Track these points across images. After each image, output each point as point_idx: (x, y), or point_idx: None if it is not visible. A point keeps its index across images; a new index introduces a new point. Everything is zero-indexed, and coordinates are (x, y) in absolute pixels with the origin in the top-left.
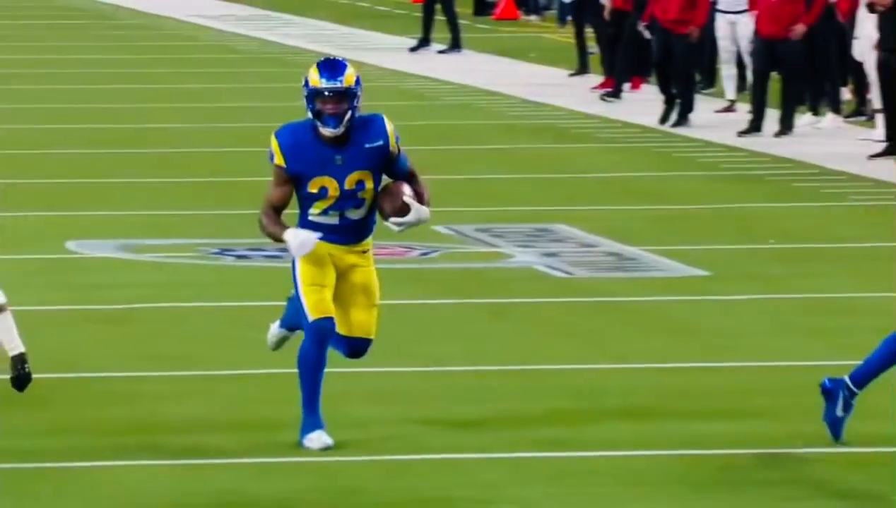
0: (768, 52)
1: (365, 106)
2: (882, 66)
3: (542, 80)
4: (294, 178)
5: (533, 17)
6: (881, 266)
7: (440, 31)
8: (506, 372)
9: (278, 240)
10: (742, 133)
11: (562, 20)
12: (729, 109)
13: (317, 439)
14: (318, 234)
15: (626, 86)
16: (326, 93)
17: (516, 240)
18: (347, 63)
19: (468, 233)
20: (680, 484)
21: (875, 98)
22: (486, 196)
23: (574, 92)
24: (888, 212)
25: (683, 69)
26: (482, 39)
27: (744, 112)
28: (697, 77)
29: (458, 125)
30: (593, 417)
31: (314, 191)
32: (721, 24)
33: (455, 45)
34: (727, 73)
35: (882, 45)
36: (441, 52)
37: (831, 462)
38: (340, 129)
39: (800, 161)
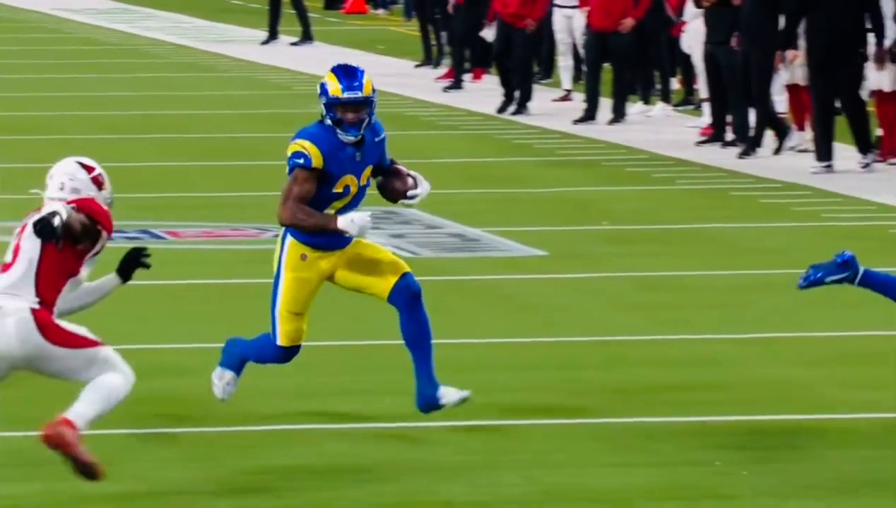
0: (600, 44)
1: (223, 95)
2: (708, 58)
3: (389, 71)
4: (324, 178)
5: (381, 11)
6: (708, 246)
7: (293, 25)
8: (348, 346)
9: (329, 229)
10: (577, 121)
11: (408, 14)
12: (565, 98)
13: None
14: (369, 212)
15: (469, 76)
16: (347, 102)
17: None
18: (363, 70)
19: None
20: (517, 453)
21: (702, 88)
22: None
23: (419, 82)
24: (715, 195)
25: (522, 60)
26: (332, 32)
27: (579, 101)
28: (536, 68)
29: (310, 114)
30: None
31: (339, 190)
32: (558, 17)
33: (306, 36)
34: (564, 64)
35: (708, 39)
36: (293, 44)
37: (644, 430)
38: (360, 136)
39: (631, 147)
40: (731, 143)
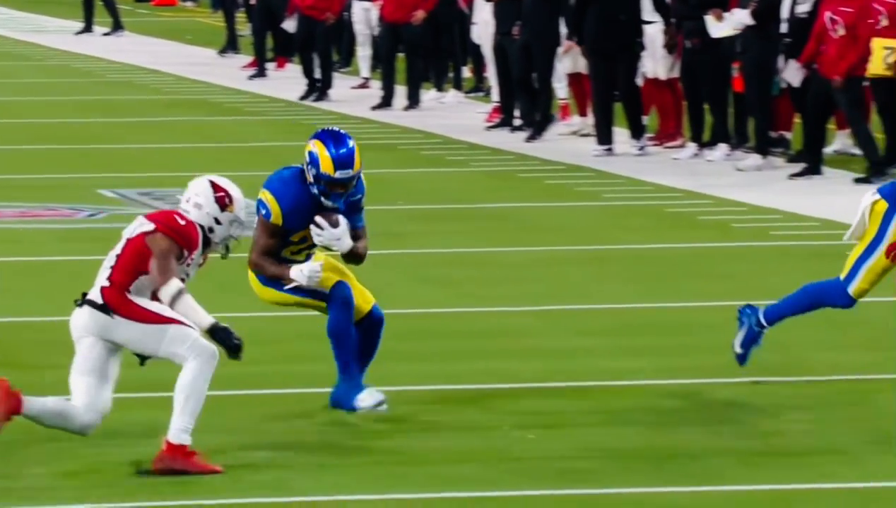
0: (393, 35)
1: (38, 82)
2: (497, 49)
3: (197, 60)
4: (284, 229)
5: (189, 3)
6: (499, 224)
7: (107, 16)
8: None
9: (285, 279)
10: (375, 107)
11: (214, 6)
12: (364, 86)
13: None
14: (320, 263)
15: (272, 65)
16: (338, 181)
17: (174, 203)
18: (352, 138)
19: (131, 197)
20: (299, 418)
21: (491, 76)
22: (147, 163)
23: (226, 71)
24: (505, 176)
25: (324, 50)
26: (143, 23)
27: (377, 88)
28: (336, 57)
29: (122, 100)
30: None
31: (296, 239)
32: (357, 10)
33: (117, 26)
34: (362, 53)
35: (498, 30)
36: (106, 34)
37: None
38: (345, 206)
39: (426, 131)
40: (519, 128)
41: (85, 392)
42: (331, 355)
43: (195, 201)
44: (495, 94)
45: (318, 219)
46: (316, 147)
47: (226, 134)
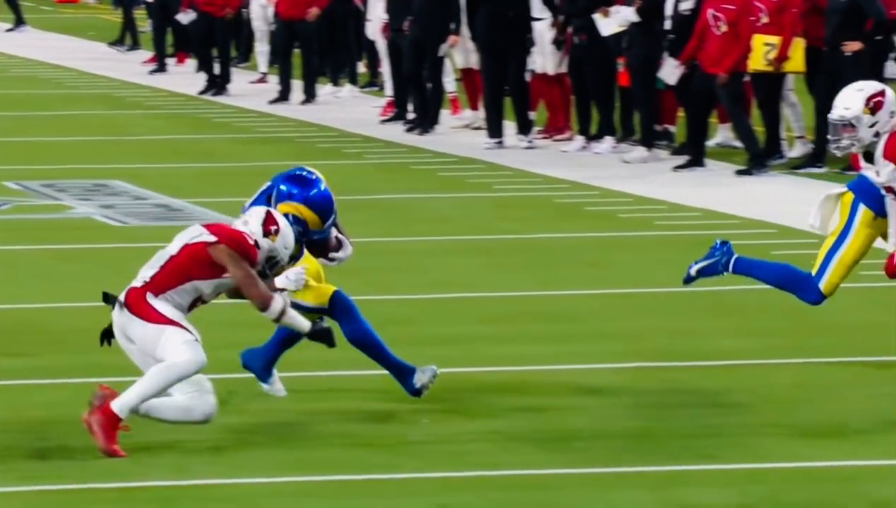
0: (289, 31)
1: None
2: (391, 45)
3: (99, 56)
4: None
5: (91, 0)
6: (394, 214)
7: (6, 13)
8: (73, 309)
9: (273, 290)
10: (272, 101)
11: (115, 3)
12: (262, 81)
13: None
14: (303, 267)
15: (172, 60)
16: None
17: (77, 194)
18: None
19: (35, 188)
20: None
21: (385, 72)
22: (50, 155)
23: (127, 66)
24: (398, 168)
25: (222, 46)
26: (46, 20)
27: (274, 83)
28: (234, 52)
29: (26, 94)
30: None
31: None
32: (255, 6)
33: (19, 22)
34: (260, 49)
35: (391, 26)
36: (9, 30)
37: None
38: None
39: (323, 125)
40: (412, 122)
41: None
42: (234, 342)
43: (245, 218)
44: (389, 89)
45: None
46: (302, 214)
47: (128, 127)
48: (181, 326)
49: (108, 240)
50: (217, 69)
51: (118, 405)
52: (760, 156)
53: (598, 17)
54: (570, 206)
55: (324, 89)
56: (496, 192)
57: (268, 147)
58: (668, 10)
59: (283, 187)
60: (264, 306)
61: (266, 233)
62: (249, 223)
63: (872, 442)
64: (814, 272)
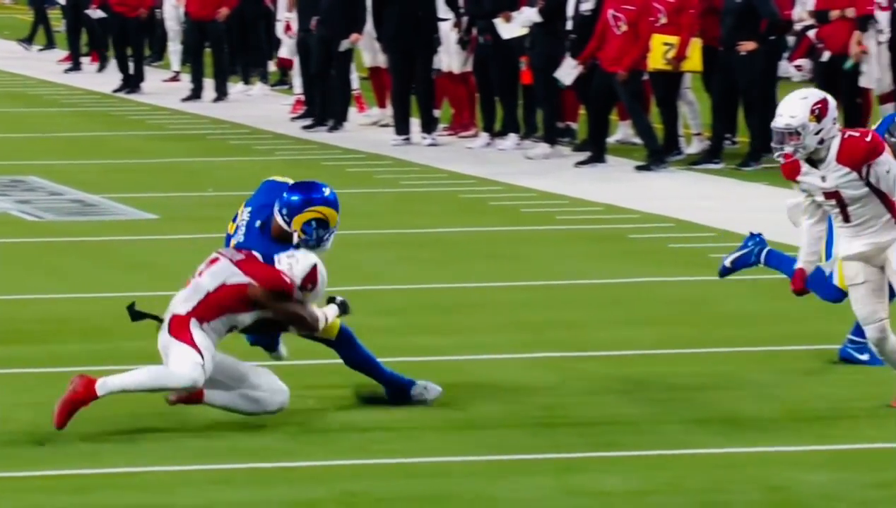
0: (199, 31)
1: None
2: (300, 44)
3: (14, 54)
4: None
5: (7, 0)
6: None
7: None
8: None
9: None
10: (185, 99)
11: (30, 3)
12: (175, 79)
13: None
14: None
15: (87, 59)
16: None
17: None
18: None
19: None
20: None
21: (296, 72)
22: None
23: (43, 64)
24: (309, 165)
25: (136, 45)
26: None
27: (187, 81)
28: (148, 51)
29: None
30: (56, 337)
31: None
32: (167, 7)
33: None
34: (173, 48)
35: (300, 26)
36: None
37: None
38: None
39: (234, 122)
40: (322, 119)
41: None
42: (133, 332)
43: (292, 260)
44: (298, 87)
45: None
46: (326, 213)
47: (45, 124)
48: (200, 352)
49: (24, 234)
50: (131, 68)
51: (101, 381)
52: (659, 152)
53: (499, 22)
54: (475, 201)
55: (235, 87)
56: (403, 188)
57: (181, 143)
58: (570, 10)
59: (294, 198)
60: (315, 330)
61: (303, 287)
62: (294, 269)
63: (769, 429)
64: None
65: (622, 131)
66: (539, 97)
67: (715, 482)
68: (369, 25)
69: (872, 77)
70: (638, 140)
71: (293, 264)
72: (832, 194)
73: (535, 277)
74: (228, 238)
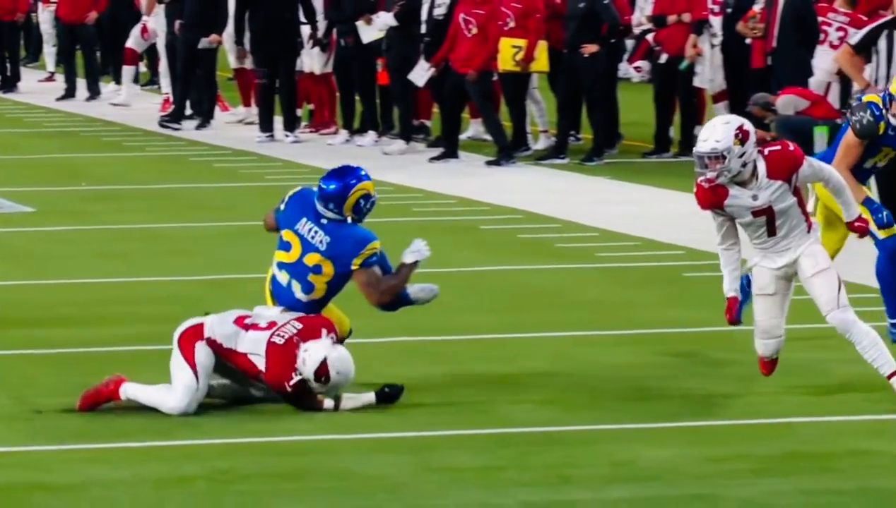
0: (71, 33)
1: None
2: (169, 46)
3: None
4: None
5: None
6: (173, 202)
7: None
8: None
9: (408, 272)
10: (60, 98)
11: None
12: (50, 79)
13: None
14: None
15: None
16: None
17: None
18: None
19: None
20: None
21: (163, 72)
22: None
23: None
24: (178, 160)
25: (12, 47)
26: None
27: (61, 81)
28: (24, 53)
29: None
30: None
31: None
32: (42, 11)
33: None
34: (48, 50)
35: (168, 28)
36: None
37: None
38: None
39: (107, 120)
40: (190, 117)
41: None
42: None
43: (304, 357)
44: (166, 86)
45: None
46: (366, 183)
47: None
48: (193, 368)
49: None
50: (9, 69)
51: (124, 387)
52: (508, 148)
53: (360, 25)
54: None
55: (107, 87)
56: (267, 182)
57: (56, 140)
58: (424, 14)
59: (332, 187)
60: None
61: (317, 379)
62: (306, 364)
63: (615, 409)
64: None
65: (473, 128)
66: (395, 96)
67: (562, 458)
68: (232, 28)
69: (706, 77)
70: (488, 137)
71: (306, 359)
72: (763, 211)
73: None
74: (278, 278)
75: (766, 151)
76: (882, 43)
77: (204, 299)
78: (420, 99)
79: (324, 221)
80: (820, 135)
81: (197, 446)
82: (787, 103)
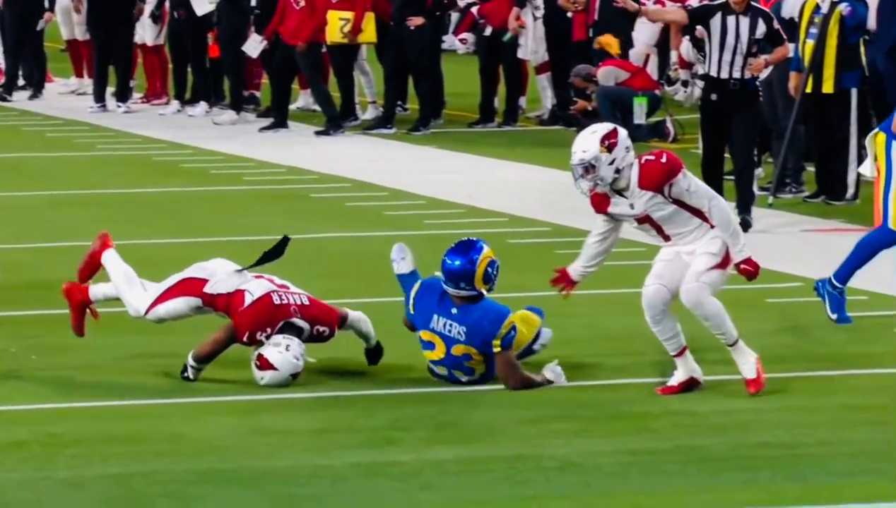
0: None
1: None
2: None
3: None
4: None
5: None
6: (7, 173)
7: None
8: None
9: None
10: None
11: None
12: None
13: None
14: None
15: None
16: None
17: None
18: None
19: None
20: None
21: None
22: None
23: None
24: (9, 131)
25: None
26: None
27: None
28: None
29: None
30: None
31: None
32: None
33: None
34: None
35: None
36: None
37: None
38: None
39: None
40: (22, 88)
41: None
42: None
43: (285, 343)
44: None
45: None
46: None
47: None
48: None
49: None
50: None
51: (95, 290)
52: (337, 118)
53: None
54: (168, 164)
55: None
56: (99, 151)
57: None
58: None
59: (457, 264)
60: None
61: (259, 365)
62: (272, 348)
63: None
64: (878, 221)
65: (303, 99)
66: (226, 68)
67: (389, 420)
68: (66, 2)
69: (529, 49)
70: (317, 107)
71: (284, 347)
72: (644, 219)
73: (224, 233)
74: (439, 372)
75: (642, 160)
76: (716, 22)
77: (35, 266)
78: (250, 70)
79: (454, 311)
80: (639, 106)
81: (29, 411)
82: (607, 74)
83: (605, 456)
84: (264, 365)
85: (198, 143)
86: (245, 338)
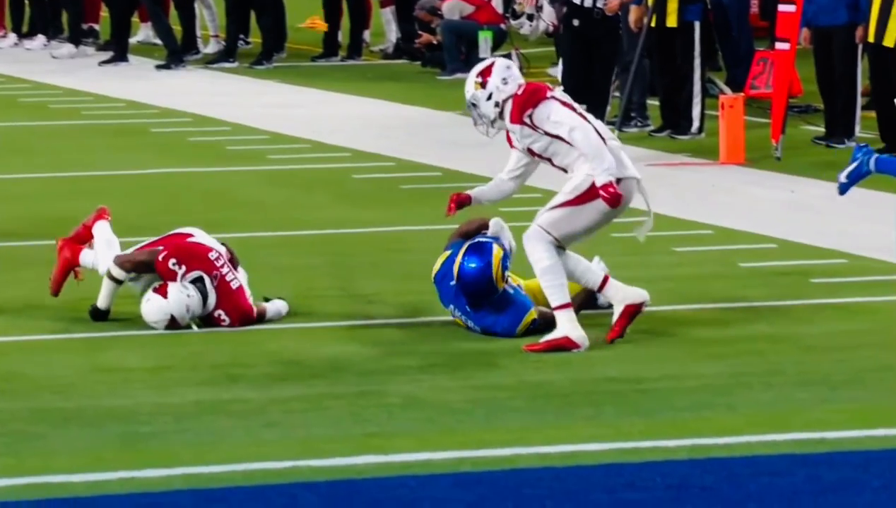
0: None
1: None
2: None
3: None
4: None
5: None
6: None
7: None
8: None
9: None
10: None
11: None
12: None
13: None
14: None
15: None
16: None
17: None
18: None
19: None
20: None
21: None
22: None
23: None
24: None
25: None
26: None
27: None
28: None
29: None
30: None
31: None
32: None
33: None
34: None
35: None
36: None
37: None
38: None
39: None
40: None
41: None
42: None
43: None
44: None
45: None
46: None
47: None
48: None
49: None
50: None
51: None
52: (178, 52)
53: None
54: (6, 98)
55: None
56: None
57: None
58: None
59: (472, 267)
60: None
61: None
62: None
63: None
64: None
65: (143, 32)
66: (65, 1)
67: (230, 357)
68: None
69: None
70: (158, 41)
71: (170, 293)
72: (531, 152)
73: (64, 168)
74: None
75: (518, 93)
76: None
77: None
78: (89, 3)
79: (469, 309)
80: (484, 40)
81: None
82: (452, 8)
83: (451, 392)
84: (160, 290)
85: (36, 77)
86: (160, 258)
